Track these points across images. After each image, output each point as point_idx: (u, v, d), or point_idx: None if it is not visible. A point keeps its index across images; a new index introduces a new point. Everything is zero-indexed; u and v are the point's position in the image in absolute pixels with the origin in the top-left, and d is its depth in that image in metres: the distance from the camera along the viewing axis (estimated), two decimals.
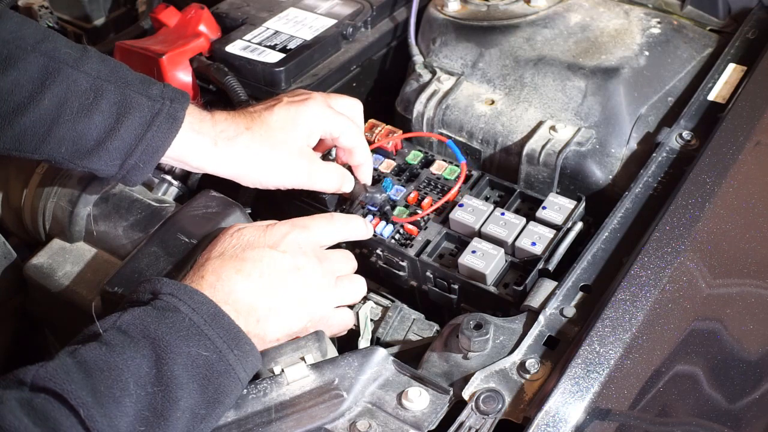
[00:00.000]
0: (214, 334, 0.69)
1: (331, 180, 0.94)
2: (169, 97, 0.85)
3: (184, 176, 1.03)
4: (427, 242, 0.92)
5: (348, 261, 0.88)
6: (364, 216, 0.95)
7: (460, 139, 1.07)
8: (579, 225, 0.90)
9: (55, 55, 0.82)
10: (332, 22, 1.19)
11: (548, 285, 0.83)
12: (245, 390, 0.72)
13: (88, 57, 0.84)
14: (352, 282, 0.86)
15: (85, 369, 0.62)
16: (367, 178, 0.97)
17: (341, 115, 0.93)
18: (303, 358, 0.76)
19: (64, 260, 0.93)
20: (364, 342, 0.88)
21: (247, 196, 1.03)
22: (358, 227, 0.91)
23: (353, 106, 0.98)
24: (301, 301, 0.79)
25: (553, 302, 0.80)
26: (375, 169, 1.02)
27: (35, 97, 0.80)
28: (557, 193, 1.00)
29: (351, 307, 0.88)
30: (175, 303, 0.70)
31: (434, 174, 1.00)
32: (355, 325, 0.89)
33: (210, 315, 0.70)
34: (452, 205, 0.95)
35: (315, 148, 0.95)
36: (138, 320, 0.68)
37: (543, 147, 1.00)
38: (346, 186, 0.95)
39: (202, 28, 1.16)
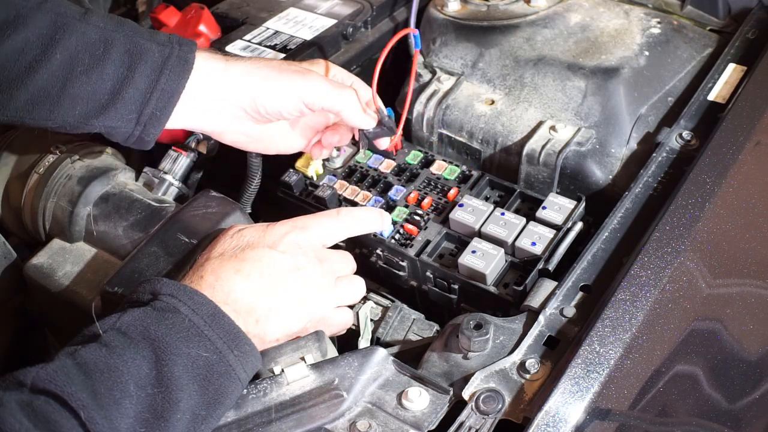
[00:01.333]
0: (214, 334, 0.69)
1: (341, 98, 0.89)
2: (177, 42, 0.85)
3: (184, 176, 1.03)
4: (427, 242, 0.92)
5: (347, 262, 0.87)
6: None
7: (460, 139, 1.07)
8: (579, 225, 0.90)
9: (62, 11, 0.82)
10: (332, 22, 1.19)
11: (548, 285, 0.83)
12: (245, 390, 0.72)
13: (93, 12, 0.84)
14: (351, 282, 0.86)
15: (85, 371, 0.62)
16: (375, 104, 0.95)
17: (342, 91, 0.91)
18: (303, 358, 0.76)
19: (64, 260, 0.93)
20: (364, 342, 0.88)
21: (247, 195, 1.03)
22: (369, 220, 0.89)
23: (356, 79, 0.99)
24: (301, 300, 0.79)
25: (553, 302, 0.80)
26: (375, 170, 1.02)
27: (47, 52, 0.80)
28: (557, 193, 1.00)
29: (351, 307, 0.88)
30: (174, 304, 0.70)
31: (434, 174, 1.00)
32: (355, 325, 0.89)
33: (210, 315, 0.70)
34: (452, 205, 0.95)
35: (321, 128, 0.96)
36: (138, 321, 0.68)
37: (543, 147, 1.00)
38: (362, 118, 0.91)
39: (202, 28, 1.16)
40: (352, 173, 1.02)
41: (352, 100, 0.90)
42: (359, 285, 0.86)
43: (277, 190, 1.02)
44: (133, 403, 0.62)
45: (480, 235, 0.91)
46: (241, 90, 0.87)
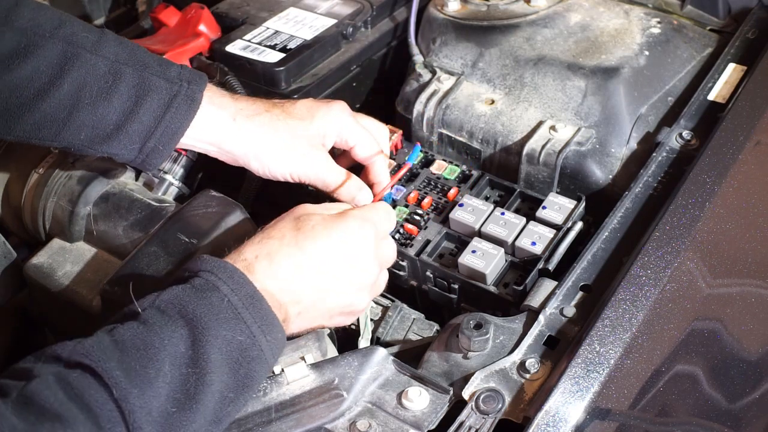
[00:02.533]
0: (250, 318, 0.68)
1: (345, 185, 0.91)
2: (186, 79, 0.85)
3: (184, 176, 1.03)
4: (427, 242, 0.92)
5: (393, 250, 0.85)
6: None
7: (460, 138, 1.07)
8: (579, 225, 0.90)
9: (74, 40, 0.83)
10: (332, 21, 1.19)
11: (548, 285, 0.83)
12: None
13: (105, 40, 0.85)
14: (382, 277, 0.84)
15: (121, 347, 0.62)
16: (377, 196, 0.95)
17: (361, 127, 0.93)
18: (303, 358, 0.76)
19: (64, 260, 0.93)
20: (364, 342, 0.88)
21: (247, 195, 1.03)
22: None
23: (378, 127, 0.98)
24: (344, 305, 0.77)
25: (553, 302, 0.80)
26: None
27: (55, 82, 0.81)
28: (557, 192, 1.00)
29: None
30: (214, 281, 0.69)
31: (434, 174, 1.00)
32: (355, 324, 0.89)
33: (248, 296, 0.69)
34: (452, 204, 0.95)
35: (337, 161, 0.93)
36: (176, 299, 0.67)
37: (543, 147, 1.00)
38: (362, 197, 0.92)
39: (202, 27, 1.16)
40: None
41: (343, 185, 0.91)
42: (385, 278, 0.85)
43: (278, 190, 1.02)
44: (167, 382, 0.62)
45: (480, 234, 0.91)
46: (240, 150, 0.88)
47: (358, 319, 0.89)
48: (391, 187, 0.98)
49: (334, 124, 0.91)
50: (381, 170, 0.94)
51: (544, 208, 0.92)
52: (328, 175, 0.90)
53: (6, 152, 1.01)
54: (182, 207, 0.90)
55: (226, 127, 0.87)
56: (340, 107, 0.93)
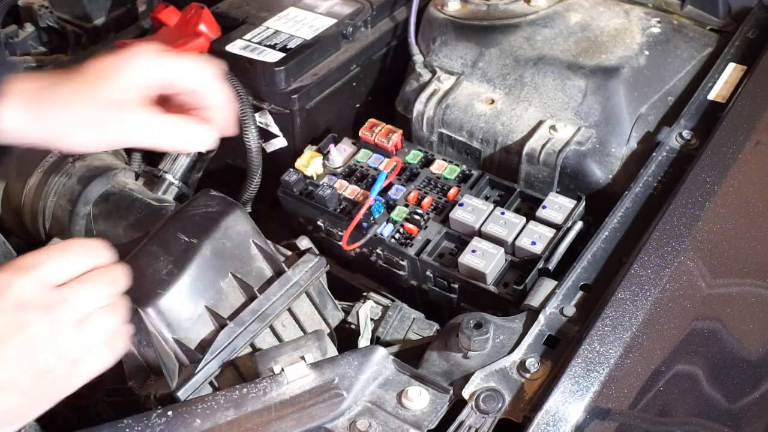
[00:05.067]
0: None
1: (167, 134, 0.78)
2: None
3: (184, 175, 1.03)
4: (427, 241, 0.92)
5: (94, 288, 0.68)
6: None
7: (460, 138, 1.07)
8: (579, 224, 0.90)
9: None
10: (332, 21, 1.19)
11: (548, 284, 0.83)
12: (245, 389, 0.72)
13: None
14: (100, 317, 0.67)
15: None
16: (223, 123, 0.81)
17: (181, 59, 0.80)
18: (303, 357, 0.76)
19: None
20: (364, 341, 0.89)
21: (247, 195, 1.03)
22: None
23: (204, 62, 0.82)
24: (29, 371, 0.63)
25: (553, 301, 0.80)
26: (375, 169, 1.02)
27: None
28: (557, 192, 1.00)
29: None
30: None
31: (434, 173, 1.00)
32: (355, 324, 0.89)
33: None
34: (452, 204, 0.95)
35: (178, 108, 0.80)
36: None
37: (543, 146, 1.00)
38: (201, 141, 0.79)
39: (202, 27, 1.16)
40: (352, 173, 1.02)
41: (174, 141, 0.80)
42: (114, 314, 0.69)
43: (277, 190, 1.02)
44: None
45: (480, 234, 0.91)
46: (42, 136, 0.77)
47: (358, 319, 0.89)
48: None
49: (143, 68, 0.77)
50: (215, 94, 0.80)
51: (544, 207, 0.92)
52: (152, 133, 0.78)
53: (6, 152, 1.01)
54: (182, 207, 0.90)
55: (22, 120, 0.75)
56: (145, 50, 0.79)
